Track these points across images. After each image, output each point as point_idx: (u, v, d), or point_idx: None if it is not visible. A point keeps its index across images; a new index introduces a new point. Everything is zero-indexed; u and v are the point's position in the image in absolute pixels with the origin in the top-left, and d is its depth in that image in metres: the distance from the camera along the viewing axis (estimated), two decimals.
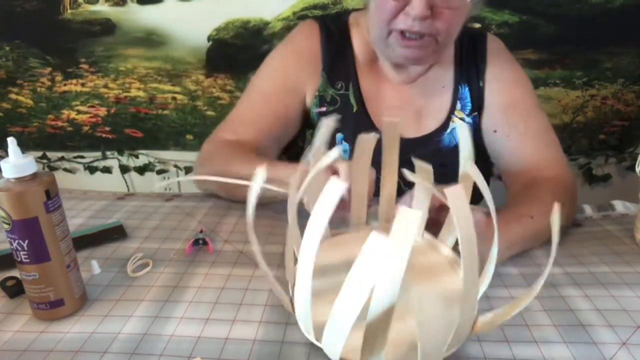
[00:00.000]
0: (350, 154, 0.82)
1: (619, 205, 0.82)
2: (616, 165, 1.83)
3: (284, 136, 0.87)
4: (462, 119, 0.84)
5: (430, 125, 0.85)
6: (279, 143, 0.87)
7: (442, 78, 0.85)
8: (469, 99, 0.84)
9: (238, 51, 1.71)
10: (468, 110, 0.84)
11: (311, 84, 0.85)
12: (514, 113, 0.81)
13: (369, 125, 0.83)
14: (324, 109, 0.85)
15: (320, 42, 0.85)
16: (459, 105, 0.84)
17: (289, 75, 0.85)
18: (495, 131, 0.82)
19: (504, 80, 0.83)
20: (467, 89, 0.84)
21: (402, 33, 0.71)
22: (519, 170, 0.79)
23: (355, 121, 0.83)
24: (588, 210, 0.82)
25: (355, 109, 0.83)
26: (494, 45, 0.85)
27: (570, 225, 0.75)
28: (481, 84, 0.83)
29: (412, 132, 0.85)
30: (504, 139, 0.81)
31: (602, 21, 1.62)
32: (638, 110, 1.75)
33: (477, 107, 0.84)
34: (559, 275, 0.61)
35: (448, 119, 0.84)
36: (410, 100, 0.85)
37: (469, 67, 0.84)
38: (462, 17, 0.73)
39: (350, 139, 0.83)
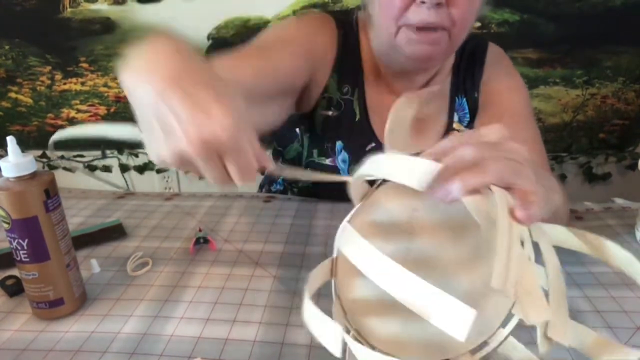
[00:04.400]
0: (349, 165, 0.80)
1: (620, 203, 0.82)
2: (616, 164, 1.83)
3: (272, 103, 0.70)
4: (459, 131, 0.82)
5: (428, 140, 0.82)
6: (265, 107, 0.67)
7: (439, 90, 0.83)
8: (467, 110, 0.82)
9: None
10: (466, 122, 0.82)
11: (321, 76, 0.77)
12: (501, 119, 0.77)
13: (370, 136, 0.80)
14: (329, 112, 0.81)
15: (337, 40, 0.78)
16: (456, 117, 0.82)
17: (302, 41, 0.72)
18: None
19: (496, 88, 0.80)
20: (464, 99, 0.82)
21: (414, 28, 0.67)
22: None
23: (356, 130, 0.80)
24: (589, 202, 0.81)
25: (357, 117, 0.80)
26: (493, 56, 0.82)
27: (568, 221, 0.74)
28: (476, 95, 0.81)
29: (413, 148, 0.82)
30: None
31: (603, 20, 1.62)
32: (638, 109, 1.75)
33: (474, 118, 0.82)
34: None
35: (446, 134, 0.81)
36: None
37: (466, 79, 0.82)
38: (476, 9, 0.69)
39: (350, 148, 0.81)
